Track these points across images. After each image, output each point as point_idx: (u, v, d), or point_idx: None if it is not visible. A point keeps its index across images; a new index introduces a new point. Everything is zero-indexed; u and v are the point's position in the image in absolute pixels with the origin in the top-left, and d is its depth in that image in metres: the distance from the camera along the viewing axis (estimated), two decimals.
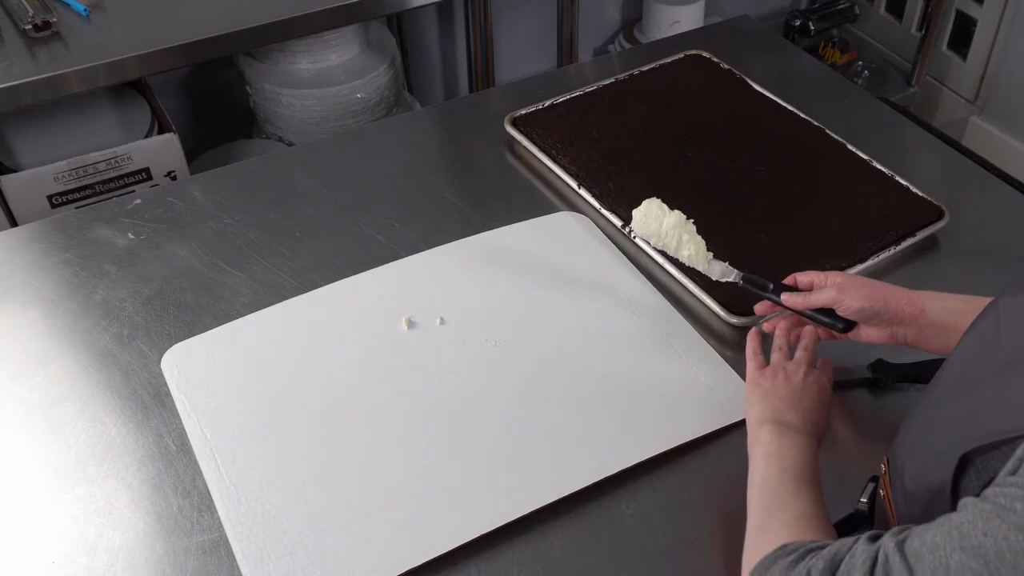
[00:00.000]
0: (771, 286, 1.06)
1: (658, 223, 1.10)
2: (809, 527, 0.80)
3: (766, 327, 1.08)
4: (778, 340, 1.04)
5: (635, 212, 1.12)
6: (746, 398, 0.98)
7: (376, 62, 2.10)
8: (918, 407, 0.83)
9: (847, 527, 0.94)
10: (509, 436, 1.04)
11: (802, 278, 1.05)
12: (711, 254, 1.10)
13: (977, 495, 0.65)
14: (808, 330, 1.04)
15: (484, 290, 1.21)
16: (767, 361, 1.03)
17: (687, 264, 1.11)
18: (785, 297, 1.04)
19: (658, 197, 1.36)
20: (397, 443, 1.03)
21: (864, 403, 1.09)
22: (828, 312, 1.02)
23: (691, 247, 1.09)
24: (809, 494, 0.84)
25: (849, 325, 1.02)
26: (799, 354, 1.01)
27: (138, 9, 1.71)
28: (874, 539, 0.69)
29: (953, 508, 0.69)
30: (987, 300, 0.91)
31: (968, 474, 0.69)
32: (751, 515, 0.85)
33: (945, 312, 0.96)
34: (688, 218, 1.10)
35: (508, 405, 1.08)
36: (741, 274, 1.08)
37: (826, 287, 1.02)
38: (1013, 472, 0.62)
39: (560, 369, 1.11)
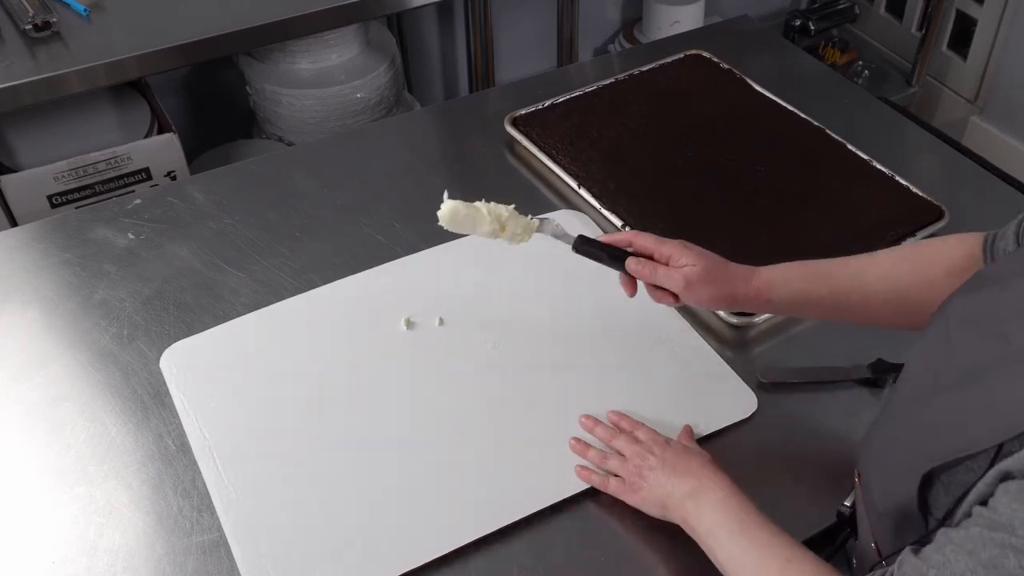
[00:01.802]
0: (605, 256, 1.00)
1: (472, 225, 1.02)
2: None
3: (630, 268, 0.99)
4: (608, 443, 1.01)
5: (440, 216, 1.02)
6: (640, 506, 0.95)
7: (376, 62, 2.10)
8: (881, 418, 0.83)
9: (834, 530, 0.95)
10: (509, 437, 1.04)
11: (640, 242, 0.99)
12: (536, 222, 1.02)
13: (950, 510, 0.67)
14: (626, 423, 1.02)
15: (483, 290, 1.21)
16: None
17: (513, 244, 1.03)
18: (632, 266, 0.98)
19: (658, 197, 1.36)
20: (396, 443, 1.03)
21: (864, 403, 1.08)
22: None
23: (512, 228, 1.02)
24: (762, 546, 0.82)
25: None
26: (631, 441, 0.98)
27: (138, 9, 1.71)
28: None
29: (926, 525, 0.70)
30: (834, 263, 0.94)
31: (935, 489, 0.69)
32: None
33: (791, 296, 0.96)
34: (501, 205, 1.02)
35: (507, 406, 1.08)
36: (573, 238, 1.01)
37: (673, 277, 0.96)
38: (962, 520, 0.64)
39: (560, 370, 1.11)
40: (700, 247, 0.98)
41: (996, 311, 0.71)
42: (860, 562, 0.87)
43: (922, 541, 0.70)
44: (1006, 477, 0.62)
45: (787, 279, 0.96)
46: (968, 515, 0.65)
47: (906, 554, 0.67)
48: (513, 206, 1.03)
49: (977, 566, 0.61)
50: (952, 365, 0.73)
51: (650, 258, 0.98)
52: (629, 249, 0.99)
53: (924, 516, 0.71)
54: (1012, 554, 0.59)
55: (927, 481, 0.69)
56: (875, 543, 0.81)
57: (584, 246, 1.00)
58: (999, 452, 0.63)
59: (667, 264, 0.97)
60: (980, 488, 0.64)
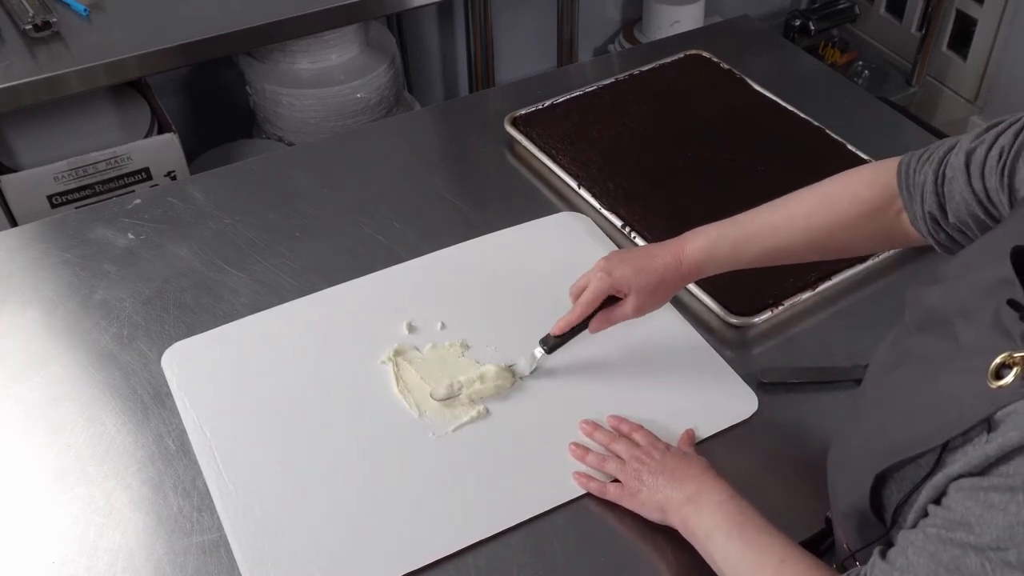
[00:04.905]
0: (574, 334, 1.07)
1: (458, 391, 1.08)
2: None
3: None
4: (607, 446, 1.01)
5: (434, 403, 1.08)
6: (639, 510, 0.96)
7: (376, 62, 2.10)
8: (848, 420, 0.83)
9: (823, 536, 0.95)
10: (510, 439, 1.04)
11: (586, 309, 1.05)
12: (509, 371, 1.09)
13: (899, 506, 0.68)
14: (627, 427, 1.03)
15: (485, 294, 1.21)
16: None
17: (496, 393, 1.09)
18: (593, 329, 1.06)
19: (658, 197, 1.37)
20: (397, 445, 1.03)
21: None
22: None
23: (493, 383, 1.08)
24: (759, 548, 0.84)
25: None
26: (631, 445, 1.00)
27: (138, 9, 1.71)
28: None
29: (882, 523, 0.71)
30: (755, 224, 0.99)
31: (888, 487, 0.70)
32: None
33: (720, 268, 1.02)
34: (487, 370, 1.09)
35: (508, 408, 1.08)
36: (543, 351, 1.08)
37: (626, 314, 1.04)
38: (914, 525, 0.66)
39: (560, 372, 1.11)
40: (620, 253, 1.06)
41: (946, 310, 0.72)
42: (838, 561, 0.88)
43: (885, 541, 0.71)
44: (957, 478, 0.63)
45: (713, 256, 1.01)
46: (924, 514, 0.65)
47: (875, 557, 0.68)
48: (482, 368, 1.10)
49: (939, 568, 0.61)
50: (906, 366, 0.74)
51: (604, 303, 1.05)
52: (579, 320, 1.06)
53: (879, 515, 0.71)
54: (973, 553, 0.59)
55: (880, 480, 0.70)
56: (845, 543, 0.82)
57: (556, 343, 1.08)
58: (945, 447, 0.64)
59: (617, 298, 1.04)
60: (929, 490, 0.65)
